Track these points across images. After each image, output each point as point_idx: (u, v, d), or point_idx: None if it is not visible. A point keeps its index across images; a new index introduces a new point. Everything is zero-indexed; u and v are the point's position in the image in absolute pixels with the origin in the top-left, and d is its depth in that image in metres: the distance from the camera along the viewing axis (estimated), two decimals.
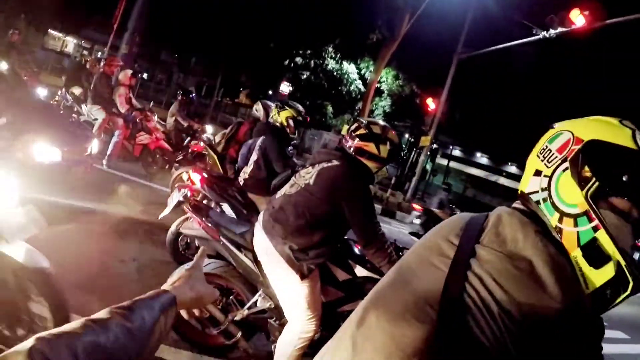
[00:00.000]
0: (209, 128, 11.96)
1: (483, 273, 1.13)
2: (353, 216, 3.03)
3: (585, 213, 1.15)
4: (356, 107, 26.42)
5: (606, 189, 1.15)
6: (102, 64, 10.33)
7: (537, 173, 1.28)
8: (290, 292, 3.15)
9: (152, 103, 15.86)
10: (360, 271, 3.59)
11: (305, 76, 26.83)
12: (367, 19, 23.74)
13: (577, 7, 14.13)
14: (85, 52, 37.54)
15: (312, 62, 26.53)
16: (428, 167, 30.51)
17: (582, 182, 1.16)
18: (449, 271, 1.18)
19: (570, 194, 1.18)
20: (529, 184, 1.30)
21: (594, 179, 1.15)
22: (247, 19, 25.81)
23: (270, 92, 35.55)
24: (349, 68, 26.29)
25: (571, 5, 14.32)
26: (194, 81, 39.47)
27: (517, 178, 50.12)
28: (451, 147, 37.90)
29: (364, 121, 3.37)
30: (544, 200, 1.23)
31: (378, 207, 16.45)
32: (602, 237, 1.13)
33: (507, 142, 35.66)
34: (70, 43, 41.68)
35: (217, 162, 7.22)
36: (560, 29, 14.83)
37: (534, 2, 16.67)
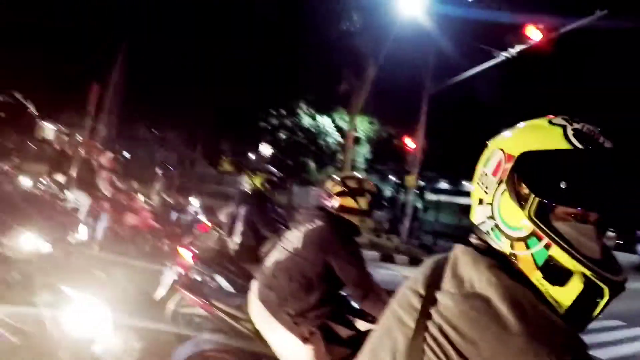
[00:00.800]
0: (195, 201, 11.98)
1: (441, 321, 1.05)
2: (345, 273, 3.05)
3: (533, 233, 1.07)
4: (338, 159, 26.65)
5: (548, 202, 1.07)
6: (82, 149, 10.47)
7: (480, 202, 1.20)
8: (294, 357, 3.11)
9: (136, 183, 15.88)
10: (362, 325, 3.56)
11: (283, 136, 27.12)
12: (334, 71, 24.19)
13: (530, 23, 14.73)
14: (65, 138, 37.55)
15: (287, 121, 26.87)
16: (419, 205, 30.54)
17: (521, 201, 1.09)
18: (415, 326, 1.11)
19: (513, 217, 1.10)
20: (476, 214, 1.22)
21: (532, 195, 1.08)
22: (217, 87, 26.21)
23: (251, 156, 35.78)
24: (324, 121, 26.63)
25: (525, 23, 14.92)
26: (176, 155, 39.65)
27: None
28: (439, 181, 38.10)
29: (339, 178, 3.45)
30: (493, 229, 1.16)
31: (375, 254, 16.37)
32: (557, 252, 1.05)
33: None
34: (49, 130, 41.79)
35: (225, 241, 7.01)
36: (519, 47, 15.41)
37: (493, 28, 17.19)
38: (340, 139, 26.20)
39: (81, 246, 5.97)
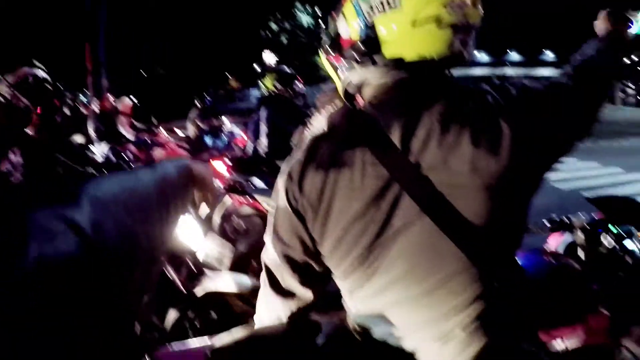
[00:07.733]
0: (226, 120, 12.19)
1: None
2: None
3: None
4: None
5: None
6: (94, 104, 10.70)
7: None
8: None
9: (154, 120, 16.00)
10: None
11: (285, 40, 26.68)
12: None
13: None
14: (69, 102, 37.43)
15: (287, 24, 26.37)
16: None
17: None
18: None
19: None
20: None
21: None
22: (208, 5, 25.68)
23: (257, 69, 35.36)
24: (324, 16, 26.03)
25: None
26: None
27: (521, 65, 52.66)
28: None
29: None
30: None
31: None
32: None
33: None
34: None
35: (255, 147, 6.90)
36: None
37: None
38: None
39: None
